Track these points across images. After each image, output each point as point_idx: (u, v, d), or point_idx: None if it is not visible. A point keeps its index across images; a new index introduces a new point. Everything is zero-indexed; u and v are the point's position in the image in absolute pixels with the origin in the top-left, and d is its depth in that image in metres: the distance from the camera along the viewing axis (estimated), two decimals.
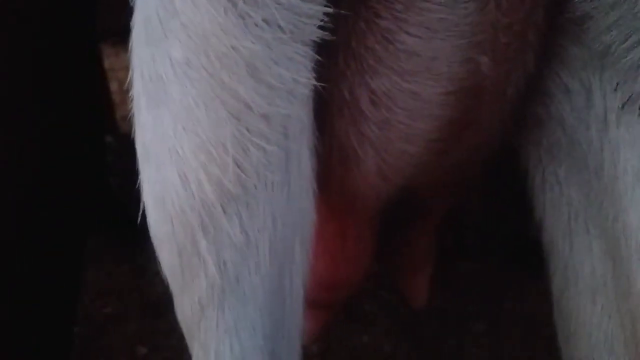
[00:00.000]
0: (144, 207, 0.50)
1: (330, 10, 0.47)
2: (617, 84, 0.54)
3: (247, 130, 0.48)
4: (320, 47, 0.51)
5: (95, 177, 1.26)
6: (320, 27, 0.49)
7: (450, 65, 0.55)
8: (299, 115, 0.50)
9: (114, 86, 2.19)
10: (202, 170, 0.48)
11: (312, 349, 1.29)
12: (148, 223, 0.50)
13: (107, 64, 2.11)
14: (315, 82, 0.49)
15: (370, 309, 1.37)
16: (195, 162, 0.47)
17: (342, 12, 0.48)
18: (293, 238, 0.53)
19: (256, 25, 0.46)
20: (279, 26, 0.46)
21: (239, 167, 0.48)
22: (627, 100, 0.53)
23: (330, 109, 0.58)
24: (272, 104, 0.48)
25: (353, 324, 1.34)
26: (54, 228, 0.83)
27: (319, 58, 0.51)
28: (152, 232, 0.50)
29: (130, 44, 0.49)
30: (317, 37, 0.48)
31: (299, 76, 0.48)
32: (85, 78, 0.91)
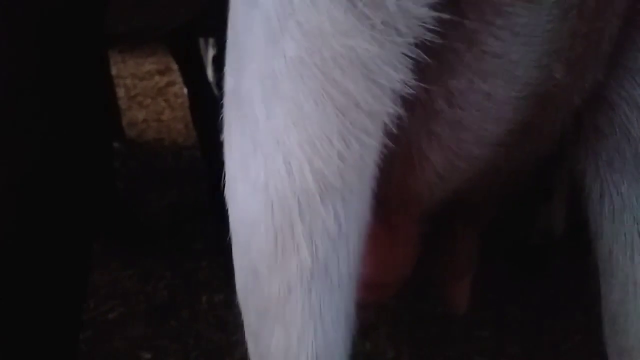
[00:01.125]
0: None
1: (438, 14, 0.51)
2: None
3: (352, 125, 0.51)
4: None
5: (103, 182, 1.27)
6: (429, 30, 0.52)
7: (526, 69, 0.58)
8: (391, 112, 0.53)
9: (120, 93, 2.21)
10: (307, 161, 0.51)
11: None
12: (235, 214, 0.53)
13: (114, 70, 2.13)
14: (419, 83, 0.52)
15: (372, 316, 1.39)
16: (300, 153, 0.51)
17: (453, 17, 0.51)
18: (364, 231, 0.56)
19: (374, 26, 0.49)
20: (396, 28, 0.49)
21: (341, 160, 0.51)
22: None
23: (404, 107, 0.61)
24: (380, 103, 0.51)
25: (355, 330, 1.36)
26: (62, 233, 0.85)
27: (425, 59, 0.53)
28: (245, 217, 0.53)
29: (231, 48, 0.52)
30: (426, 39, 0.51)
31: (405, 77, 0.52)
32: (93, 85, 0.93)
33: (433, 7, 0.50)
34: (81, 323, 0.97)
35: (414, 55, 0.51)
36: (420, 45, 0.53)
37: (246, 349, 1.34)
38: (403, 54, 0.51)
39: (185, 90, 1.87)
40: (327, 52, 0.50)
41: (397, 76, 0.51)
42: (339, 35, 0.49)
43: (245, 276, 0.56)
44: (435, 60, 0.57)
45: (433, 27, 0.51)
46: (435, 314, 1.40)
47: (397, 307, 1.41)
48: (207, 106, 1.61)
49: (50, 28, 0.78)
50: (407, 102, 0.59)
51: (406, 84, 0.52)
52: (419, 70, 0.57)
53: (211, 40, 1.76)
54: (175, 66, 1.90)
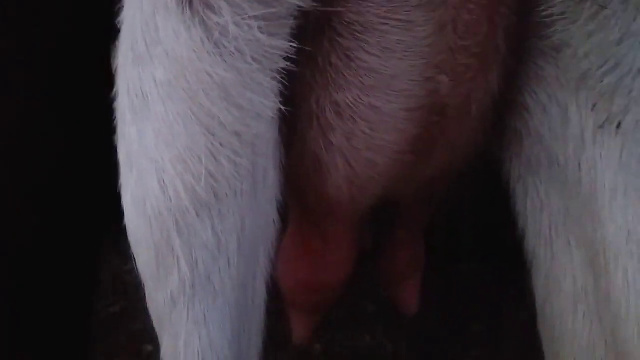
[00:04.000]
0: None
1: (294, 44, 0.54)
2: (594, 105, 0.59)
3: (221, 145, 0.56)
4: (291, 61, 0.58)
5: (106, 179, 1.33)
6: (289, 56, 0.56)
7: (410, 83, 0.61)
8: (266, 134, 0.58)
9: None
10: (179, 179, 0.55)
11: (315, 349, 1.37)
12: (126, 224, 0.57)
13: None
14: (281, 106, 0.56)
15: (372, 310, 1.43)
16: (172, 171, 0.55)
17: (305, 48, 0.55)
18: (258, 242, 0.61)
19: (229, 54, 0.53)
20: (251, 57, 0.53)
21: (211, 177, 0.56)
22: (605, 120, 0.59)
23: (301, 120, 0.65)
24: (243, 124, 0.56)
25: (355, 324, 1.41)
26: (70, 229, 0.90)
27: (293, 69, 0.58)
28: (130, 233, 0.58)
29: (116, 61, 0.57)
30: (283, 67, 0.55)
31: (266, 100, 0.56)
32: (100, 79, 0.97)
33: (284, 38, 0.54)
34: (89, 316, 1.02)
35: (272, 81, 0.55)
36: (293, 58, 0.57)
37: None
38: (265, 79, 0.55)
39: None
40: (191, 77, 0.54)
41: (258, 99, 0.55)
42: (198, 62, 0.54)
43: (143, 286, 0.61)
44: (320, 74, 0.60)
45: (289, 56, 0.55)
46: (433, 309, 1.43)
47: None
48: None
49: (55, 27, 0.83)
50: (304, 116, 0.63)
51: (268, 107, 0.55)
52: (305, 84, 0.61)
53: None
54: None
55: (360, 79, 0.60)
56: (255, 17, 0.52)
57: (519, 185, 0.66)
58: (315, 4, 0.55)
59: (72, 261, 0.92)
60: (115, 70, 0.59)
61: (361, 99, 0.62)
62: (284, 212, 0.81)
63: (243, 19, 0.53)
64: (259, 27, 0.53)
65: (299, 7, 0.55)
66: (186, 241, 0.57)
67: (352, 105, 0.62)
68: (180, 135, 0.55)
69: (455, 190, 0.84)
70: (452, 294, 1.44)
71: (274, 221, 0.63)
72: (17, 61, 0.83)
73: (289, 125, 0.65)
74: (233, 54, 0.54)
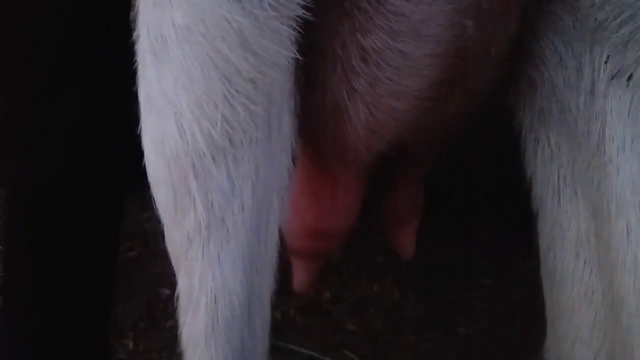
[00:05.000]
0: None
1: None
2: (608, 57, 0.61)
3: (236, 91, 0.57)
4: (315, 7, 0.59)
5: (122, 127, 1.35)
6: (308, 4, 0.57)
7: (437, 28, 0.62)
8: (282, 82, 0.60)
9: None
10: (196, 123, 0.57)
11: (324, 296, 1.40)
12: (146, 165, 0.59)
13: None
14: (297, 55, 0.57)
15: (381, 261, 1.46)
16: (190, 115, 0.57)
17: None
18: (272, 189, 0.63)
19: (247, 1, 0.54)
20: (268, 3, 0.54)
21: (227, 123, 0.58)
22: (617, 72, 0.61)
23: (324, 65, 0.66)
24: (258, 71, 0.57)
25: (364, 274, 1.44)
26: (94, 179, 0.92)
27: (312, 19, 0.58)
28: (149, 173, 0.60)
29: (136, 4, 0.58)
30: (300, 14, 0.56)
31: (282, 48, 0.57)
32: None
33: None
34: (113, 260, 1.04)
35: (289, 29, 0.56)
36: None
37: None
38: (282, 27, 0.56)
39: None
40: (209, 22, 0.56)
41: (274, 47, 0.56)
42: (217, 7, 0.55)
43: (161, 225, 0.63)
44: (347, 19, 0.61)
45: (307, 4, 0.56)
46: (441, 262, 1.46)
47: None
48: None
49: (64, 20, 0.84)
50: (328, 62, 0.64)
51: (285, 55, 0.56)
52: (330, 30, 0.62)
53: None
54: None
55: (389, 23, 0.61)
56: None
57: (530, 134, 0.68)
58: None
59: (97, 207, 0.95)
60: (136, 11, 0.60)
61: (389, 44, 0.62)
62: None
63: None
64: None
65: None
66: (202, 184, 0.59)
67: (379, 50, 0.63)
68: (197, 80, 0.57)
69: (463, 140, 0.85)
70: (461, 247, 1.46)
71: (288, 169, 0.65)
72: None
73: (309, 73, 0.66)
74: (251, 0, 0.55)
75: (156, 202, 0.62)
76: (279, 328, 1.34)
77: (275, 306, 1.39)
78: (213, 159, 0.58)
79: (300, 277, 0.97)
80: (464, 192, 1.53)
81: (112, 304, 1.30)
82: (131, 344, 1.30)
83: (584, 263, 0.66)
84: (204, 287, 0.60)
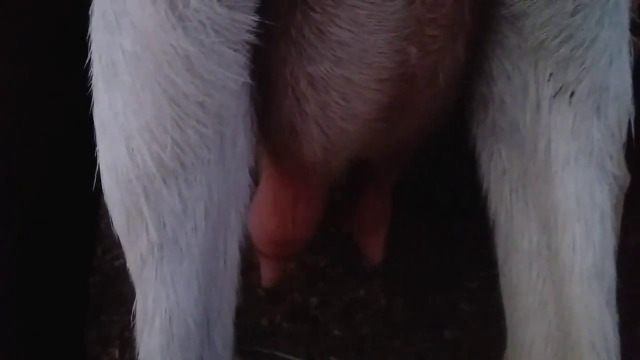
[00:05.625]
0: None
1: (258, 19, 0.57)
2: (551, 75, 0.63)
3: (186, 115, 0.59)
4: (264, 35, 0.61)
5: None
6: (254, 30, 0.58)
7: (380, 55, 0.64)
8: (234, 105, 0.61)
9: None
10: (146, 147, 0.59)
11: (311, 301, 1.41)
12: (103, 188, 0.61)
13: None
14: (247, 79, 0.58)
15: (367, 266, 1.44)
16: (140, 140, 0.58)
17: (267, 22, 0.57)
18: (229, 208, 0.65)
19: (192, 27, 0.56)
20: (212, 30, 0.56)
21: (177, 146, 0.59)
22: (560, 89, 0.63)
23: (277, 89, 0.68)
24: (207, 95, 0.59)
25: (351, 278, 1.45)
26: (71, 184, 0.93)
27: (259, 44, 0.61)
28: (105, 195, 0.61)
29: (89, 29, 0.59)
30: (247, 39, 0.57)
31: (230, 72, 0.59)
32: None
33: (247, 12, 0.56)
34: (91, 269, 1.07)
35: (235, 53, 0.57)
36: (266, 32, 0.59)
37: (246, 298, 1.45)
38: (228, 52, 0.57)
39: None
40: (156, 49, 0.57)
41: (221, 71, 0.58)
42: (163, 34, 0.56)
43: None
44: (294, 47, 0.63)
45: (252, 29, 0.58)
46: (426, 265, 1.47)
47: (390, 259, 1.48)
48: None
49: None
50: (280, 86, 0.66)
51: (232, 78, 0.58)
52: (280, 55, 0.63)
53: None
54: None
55: (332, 51, 0.63)
56: None
57: (483, 149, 0.70)
58: None
59: (74, 216, 0.96)
60: (89, 37, 0.61)
61: (333, 71, 0.65)
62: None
63: None
64: (220, 1, 0.55)
65: None
66: (154, 206, 0.60)
67: (325, 77, 0.65)
68: (146, 105, 0.58)
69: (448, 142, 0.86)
70: (446, 250, 1.48)
71: (245, 187, 0.67)
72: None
73: (265, 95, 0.67)
74: (196, 27, 0.56)
75: (113, 224, 0.63)
76: (266, 335, 1.36)
77: (261, 313, 1.42)
78: (164, 181, 0.60)
79: (266, 274, 1.05)
80: (450, 195, 1.54)
81: (97, 313, 1.33)
82: (117, 353, 1.32)
83: (537, 275, 0.67)
84: (158, 307, 0.61)
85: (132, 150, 0.59)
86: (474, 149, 0.71)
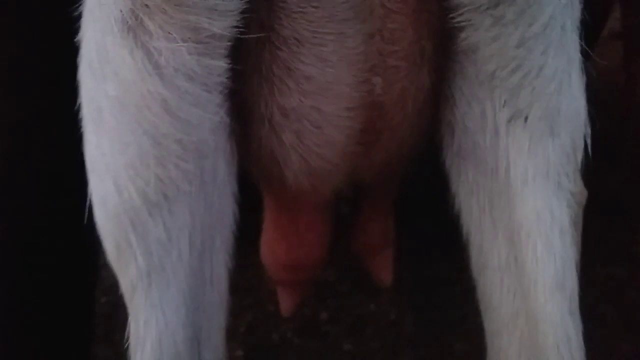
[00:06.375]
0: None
1: (229, 62, 0.63)
2: (505, 101, 0.68)
3: (166, 152, 0.65)
4: (237, 73, 0.67)
5: None
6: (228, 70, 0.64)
7: (346, 86, 0.69)
8: (210, 139, 0.67)
9: None
10: (131, 183, 0.65)
11: (321, 316, 1.46)
12: (95, 222, 0.67)
13: None
14: (221, 117, 0.64)
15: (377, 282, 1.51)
16: (125, 176, 0.65)
17: (238, 67, 0.63)
18: (213, 234, 0.70)
19: (168, 74, 0.62)
20: (186, 75, 0.62)
21: (160, 180, 0.65)
22: (514, 114, 0.68)
23: (254, 121, 0.74)
24: (184, 133, 0.65)
25: (361, 293, 1.49)
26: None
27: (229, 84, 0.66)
28: (98, 228, 0.67)
29: (78, 76, 0.66)
30: (220, 81, 0.63)
31: (205, 112, 0.65)
32: None
33: (219, 58, 0.62)
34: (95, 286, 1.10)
35: (210, 94, 0.63)
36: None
37: (257, 314, 1.49)
38: (204, 93, 0.63)
39: None
40: (136, 94, 0.63)
41: (197, 111, 0.64)
42: (141, 81, 0.63)
43: None
44: (265, 83, 0.69)
45: (225, 72, 0.64)
46: (437, 279, 1.50)
47: (401, 273, 1.51)
48: None
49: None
50: (256, 118, 0.72)
51: (208, 117, 0.64)
52: (254, 90, 0.69)
53: None
54: None
55: (301, 85, 0.69)
56: (184, 42, 0.61)
57: (452, 171, 0.74)
58: (243, 30, 0.63)
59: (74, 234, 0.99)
60: (78, 83, 0.68)
61: (303, 102, 0.70)
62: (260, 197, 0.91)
63: (175, 44, 0.61)
64: (189, 51, 0.61)
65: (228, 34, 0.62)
66: (141, 237, 0.66)
67: (296, 108, 0.71)
68: (130, 144, 0.64)
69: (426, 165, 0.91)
70: (456, 263, 1.51)
71: (229, 214, 0.72)
72: None
73: (245, 126, 0.73)
74: (170, 73, 0.62)
75: (106, 254, 0.69)
76: (276, 350, 1.40)
77: (271, 328, 1.46)
78: (149, 213, 0.66)
79: (285, 303, 1.08)
80: None
81: (109, 332, 1.39)
82: None
83: (507, 289, 0.72)
84: (148, 331, 0.67)
85: (119, 186, 0.65)
86: (444, 170, 0.76)
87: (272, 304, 1.46)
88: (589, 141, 0.68)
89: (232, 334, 1.43)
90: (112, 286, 1.45)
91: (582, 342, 0.67)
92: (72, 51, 0.68)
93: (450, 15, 0.64)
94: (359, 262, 1.44)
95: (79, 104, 0.68)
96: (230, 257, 0.74)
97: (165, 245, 0.67)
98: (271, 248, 0.95)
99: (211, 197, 0.70)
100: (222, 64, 0.63)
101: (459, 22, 0.64)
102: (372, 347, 1.40)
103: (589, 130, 0.68)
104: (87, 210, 0.69)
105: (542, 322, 0.66)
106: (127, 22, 0.61)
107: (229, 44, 0.64)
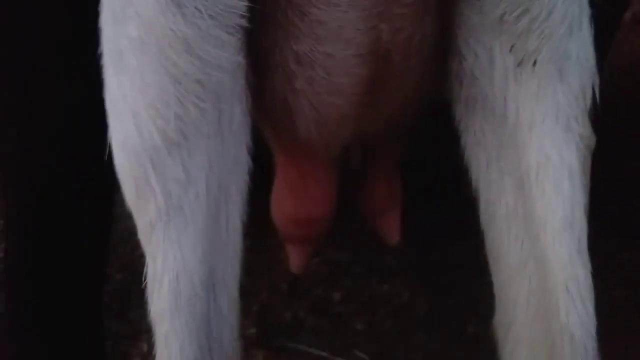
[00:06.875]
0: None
1: (249, 4, 0.66)
2: (512, 46, 0.70)
3: (186, 91, 0.68)
4: (255, 19, 0.70)
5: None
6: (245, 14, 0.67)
7: (355, 31, 0.72)
8: (229, 84, 0.70)
9: None
10: (152, 122, 0.68)
11: (334, 297, 1.47)
12: (115, 164, 0.70)
13: None
14: (240, 60, 0.67)
15: (390, 262, 1.53)
16: (146, 116, 0.68)
17: (255, 6, 0.66)
18: (228, 182, 0.74)
19: (190, 13, 0.65)
20: (209, 15, 0.65)
21: (180, 120, 0.68)
22: (522, 59, 0.70)
23: (269, 69, 0.77)
24: (204, 73, 0.68)
25: (374, 274, 1.51)
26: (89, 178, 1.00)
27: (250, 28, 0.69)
28: (117, 170, 0.70)
29: (100, 23, 0.69)
30: (240, 23, 0.66)
31: (225, 52, 0.68)
32: None
33: None
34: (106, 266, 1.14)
35: (230, 35, 0.66)
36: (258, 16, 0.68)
37: (270, 293, 1.51)
38: (223, 34, 0.67)
39: None
40: (158, 33, 0.66)
41: (217, 51, 0.67)
42: (163, 20, 0.66)
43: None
44: (280, 29, 0.72)
45: (243, 14, 0.67)
46: (450, 262, 1.52)
47: (414, 256, 1.52)
48: None
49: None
50: (271, 66, 0.75)
51: (227, 58, 0.68)
52: (270, 38, 0.72)
53: None
54: None
55: (313, 30, 0.72)
56: None
57: (461, 124, 0.77)
58: None
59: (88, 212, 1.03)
60: (100, 29, 0.71)
61: (316, 48, 0.73)
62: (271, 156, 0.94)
63: None
64: None
65: None
66: (160, 175, 0.69)
67: (309, 54, 0.74)
68: (151, 84, 0.67)
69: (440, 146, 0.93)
70: (469, 245, 1.52)
71: (243, 164, 0.75)
72: None
73: (259, 76, 0.76)
74: (192, 12, 0.65)
75: (125, 197, 0.72)
76: (289, 329, 1.42)
77: (285, 307, 1.48)
78: (168, 152, 0.69)
79: (294, 260, 1.10)
80: (471, 190, 1.60)
81: (125, 309, 1.42)
82: (145, 347, 1.40)
83: (515, 237, 0.74)
84: (166, 268, 0.70)
85: (140, 125, 0.68)
86: (455, 124, 0.79)
87: (285, 284, 1.49)
88: (597, 90, 0.70)
89: (245, 313, 1.45)
90: (128, 263, 1.50)
91: (591, 283, 0.69)
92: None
93: None
94: (373, 243, 1.47)
95: (100, 52, 0.71)
96: (244, 210, 0.77)
97: (183, 184, 0.69)
98: (280, 204, 0.98)
99: (227, 143, 0.72)
100: (243, 4, 0.66)
101: None
102: (384, 327, 1.42)
103: (597, 79, 0.70)
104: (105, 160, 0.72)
105: (551, 263, 0.68)
106: None
107: None
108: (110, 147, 0.72)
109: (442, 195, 1.57)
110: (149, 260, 0.71)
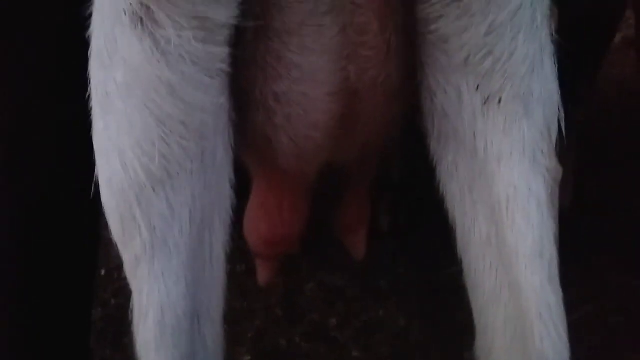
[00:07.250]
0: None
1: (229, 50, 0.71)
2: (478, 86, 0.75)
3: (170, 131, 0.72)
4: (236, 62, 0.75)
5: None
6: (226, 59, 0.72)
7: (328, 73, 0.78)
8: (212, 123, 0.75)
9: None
10: (137, 160, 0.72)
11: (330, 322, 1.49)
12: (102, 201, 0.74)
13: None
14: (223, 101, 0.72)
15: (385, 286, 1.55)
16: (132, 154, 0.72)
17: (235, 52, 0.71)
18: (212, 214, 0.78)
19: (174, 60, 0.70)
20: (192, 61, 0.69)
21: (164, 158, 0.72)
22: (489, 97, 0.75)
23: (251, 107, 0.82)
24: (188, 115, 0.72)
25: (370, 299, 1.52)
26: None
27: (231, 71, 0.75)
28: (104, 206, 0.74)
29: (89, 66, 0.73)
30: (222, 68, 0.71)
31: (207, 95, 0.73)
32: None
33: (220, 45, 0.71)
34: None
35: (212, 79, 0.71)
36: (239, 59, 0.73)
37: (265, 319, 1.53)
38: (206, 78, 0.71)
39: None
40: (144, 79, 0.71)
41: (200, 95, 0.71)
42: (149, 67, 0.70)
43: None
44: (260, 71, 0.77)
45: (224, 59, 0.72)
46: (444, 285, 1.53)
47: (408, 279, 1.55)
48: None
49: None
50: (252, 104, 0.79)
51: (210, 100, 0.73)
52: (251, 78, 0.77)
53: None
54: None
55: (289, 72, 0.77)
56: (192, 30, 0.68)
57: (435, 156, 0.81)
58: (242, 20, 0.71)
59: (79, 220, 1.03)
60: (89, 74, 0.75)
61: (293, 88, 0.79)
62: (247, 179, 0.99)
63: (183, 31, 0.68)
64: (195, 38, 0.69)
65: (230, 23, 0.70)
66: (145, 211, 0.73)
67: (287, 93, 0.79)
68: (136, 125, 0.72)
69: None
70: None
71: (226, 196, 0.79)
72: None
73: (241, 112, 0.81)
74: (176, 59, 0.70)
75: (111, 231, 0.76)
76: (285, 355, 1.43)
77: (280, 333, 1.49)
78: (153, 189, 0.73)
79: (263, 273, 1.21)
80: None
81: (119, 336, 1.43)
82: None
83: (490, 264, 0.78)
84: (151, 301, 0.73)
85: (125, 163, 0.72)
86: (429, 155, 0.83)
87: (280, 309, 1.51)
88: (562, 124, 0.74)
89: (240, 339, 1.45)
90: (122, 289, 1.51)
91: (563, 309, 0.73)
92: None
93: (418, 9, 0.72)
94: (368, 268, 1.49)
95: (88, 95, 0.76)
96: (228, 242, 0.81)
97: (168, 220, 0.73)
98: (256, 225, 1.05)
99: (210, 178, 0.76)
100: (224, 50, 0.71)
101: (428, 14, 0.72)
102: (380, 353, 1.42)
103: (562, 114, 0.74)
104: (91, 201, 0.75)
105: (524, 290, 0.72)
106: (136, 12, 0.69)
107: (229, 33, 0.72)
108: (97, 183, 0.76)
109: (437, 219, 1.60)
110: (134, 293, 0.75)
